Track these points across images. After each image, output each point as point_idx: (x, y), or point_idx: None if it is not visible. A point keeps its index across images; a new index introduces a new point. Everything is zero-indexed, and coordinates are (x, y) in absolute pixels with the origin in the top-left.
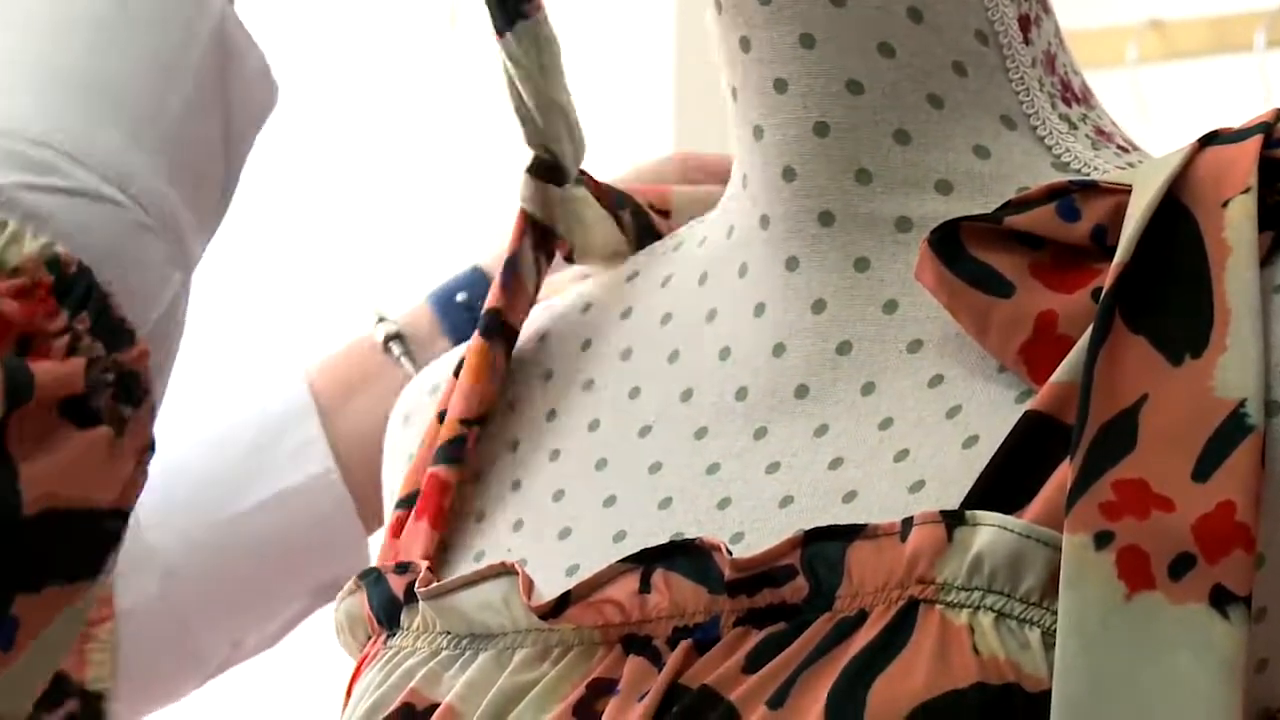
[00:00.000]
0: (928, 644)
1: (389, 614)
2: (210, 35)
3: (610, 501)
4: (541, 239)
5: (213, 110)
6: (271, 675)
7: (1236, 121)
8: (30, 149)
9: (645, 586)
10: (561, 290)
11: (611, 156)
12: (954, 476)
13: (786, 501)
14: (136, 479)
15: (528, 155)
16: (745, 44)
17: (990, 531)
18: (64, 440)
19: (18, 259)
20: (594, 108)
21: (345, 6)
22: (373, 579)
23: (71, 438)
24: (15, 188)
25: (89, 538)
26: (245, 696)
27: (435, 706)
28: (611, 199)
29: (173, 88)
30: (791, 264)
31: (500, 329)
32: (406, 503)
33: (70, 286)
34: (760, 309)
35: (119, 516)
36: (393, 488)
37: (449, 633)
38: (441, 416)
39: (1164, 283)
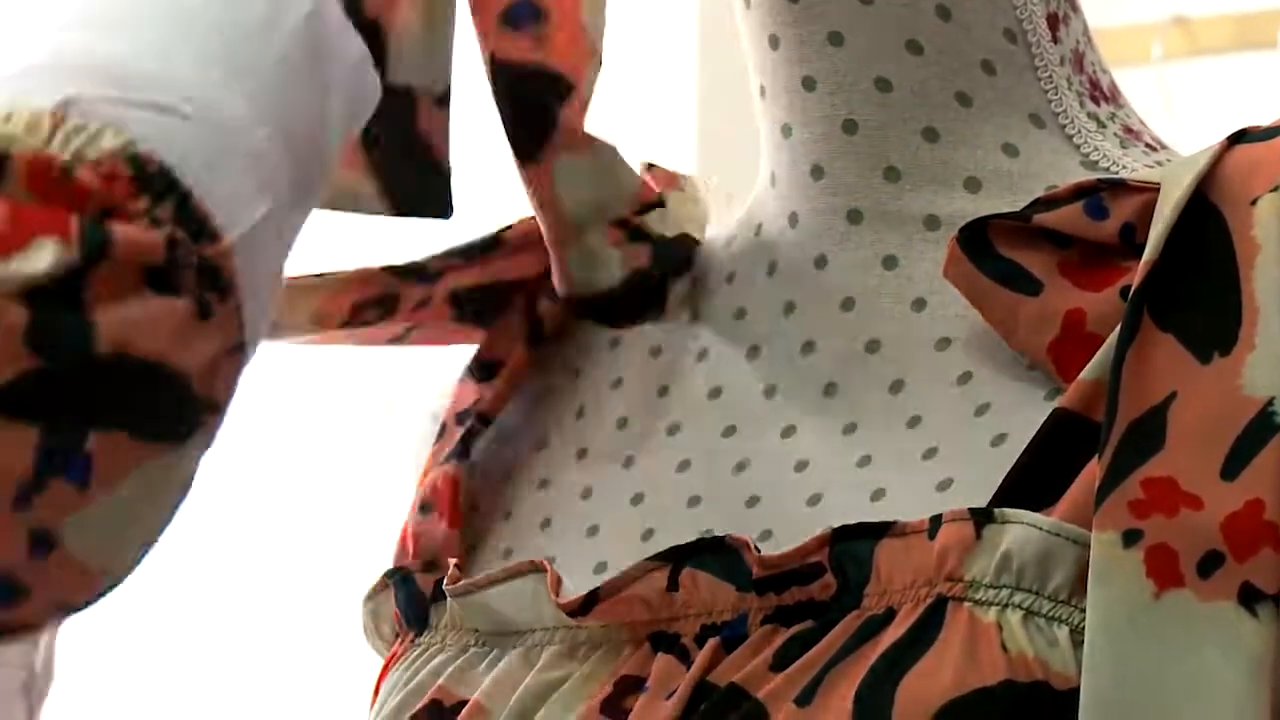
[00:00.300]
0: (956, 641)
1: (417, 612)
2: (303, 17)
3: (638, 499)
4: None
5: (309, 82)
6: (298, 674)
7: (1261, 118)
8: (116, 67)
9: (673, 584)
10: None
11: (633, 157)
12: (982, 474)
13: (815, 499)
14: (224, 370)
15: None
16: (774, 42)
17: (1019, 529)
18: (141, 300)
19: (96, 153)
20: (616, 107)
21: None
22: (400, 578)
23: (149, 300)
24: (100, 100)
25: (167, 396)
26: (273, 695)
27: (463, 704)
28: None
29: (267, 48)
30: (820, 262)
31: (540, 337)
32: (424, 507)
33: (151, 180)
34: (789, 307)
35: (209, 405)
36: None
37: (477, 630)
38: (457, 417)
39: (1192, 281)
